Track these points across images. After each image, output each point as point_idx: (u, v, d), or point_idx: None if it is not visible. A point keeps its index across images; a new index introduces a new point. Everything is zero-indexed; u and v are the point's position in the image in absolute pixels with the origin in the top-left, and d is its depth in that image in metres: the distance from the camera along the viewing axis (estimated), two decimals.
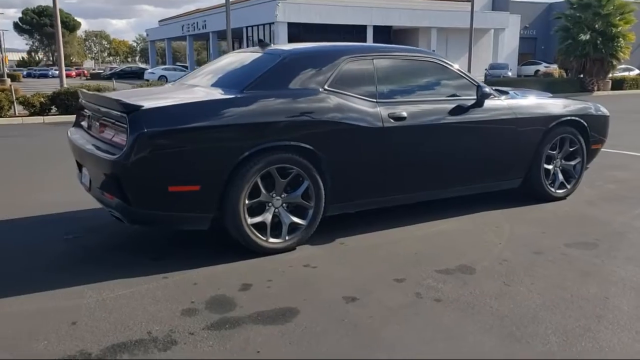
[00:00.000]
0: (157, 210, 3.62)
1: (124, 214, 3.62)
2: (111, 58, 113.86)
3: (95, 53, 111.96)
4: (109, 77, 35.13)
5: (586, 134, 5.28)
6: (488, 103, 4.65)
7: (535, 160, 5.00)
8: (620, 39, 25.16)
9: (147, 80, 29.89)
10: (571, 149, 5.24)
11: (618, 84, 26.55)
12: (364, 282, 3.44)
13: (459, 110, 4.53)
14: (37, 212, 5.07)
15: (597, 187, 5.76)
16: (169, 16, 65.94)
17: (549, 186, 5.17)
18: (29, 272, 3.66)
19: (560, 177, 5.25)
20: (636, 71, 34.77)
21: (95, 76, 50.04)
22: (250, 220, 3.77)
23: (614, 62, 25.66)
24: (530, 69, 42.87)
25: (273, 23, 36.13)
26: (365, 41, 37.79)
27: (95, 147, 3.81)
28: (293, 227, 3.96)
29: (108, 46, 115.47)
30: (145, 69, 47.24)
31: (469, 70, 31.24)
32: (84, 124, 4.44)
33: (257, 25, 38.46)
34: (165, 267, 3.68)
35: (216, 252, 3.93)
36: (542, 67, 43.84)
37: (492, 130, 4.71)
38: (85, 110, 4.39)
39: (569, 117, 5.12)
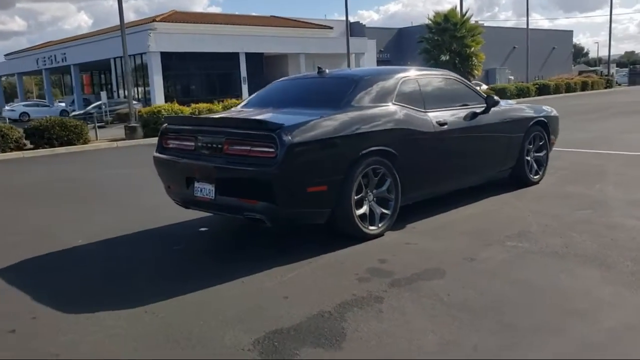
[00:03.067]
0: (297, 209, 4.38)
1: (270, 214, 4.32)
2: None
3: None
4: None
5: (548, 131, 6.80)
6: (492, 109, 5.94)
7: (520, 153, 6.38)
8: (474, 58, 28.83)
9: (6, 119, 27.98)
10: (540, 143, 6.72)
11: None
12: (465, 248, 4.47)
13: (475, 115, 5.76)
14: (127, 230, 5.49)
15: (551, 174, 7.29)
16: (13, 50, 61.41)
17: (529, 173, 6.58)
18: (191, 275, 4.24)
19: (535, 166, 6.70)
20: (484, 86, 39.45)
21: None
22: (357, 212, 4.64)
23: (470, 79, 29.27)
24: None
25: (145, 53, 35.70)
26: (238, 68, 38.81)
27: (226, 161, 4.43)
28: (382, 216, 4.87)
29: None
30: None
31: None
32: (176, 145, 4.97)
33: (128, 56, 37.65)
34: (299, 255, 4.41)
35: (325, 243, 4.71)
36: None
37: (498, 129, 6.01)
38: (181, 134, 4.94)
39: (538, 118, 6.60)
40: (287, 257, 4.39)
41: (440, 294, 3.56)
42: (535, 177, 6.71)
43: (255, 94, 6.07)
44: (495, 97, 5.94)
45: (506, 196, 6.20)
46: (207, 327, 3.26)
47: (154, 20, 36.84)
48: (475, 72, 28.88)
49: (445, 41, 28.55)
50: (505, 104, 6.45)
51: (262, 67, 42.38)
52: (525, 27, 39.68)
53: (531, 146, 6.59)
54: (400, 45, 56.71)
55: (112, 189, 8.49)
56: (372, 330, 3.11)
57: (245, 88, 38.62)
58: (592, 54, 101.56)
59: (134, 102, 32.04)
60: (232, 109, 5.98)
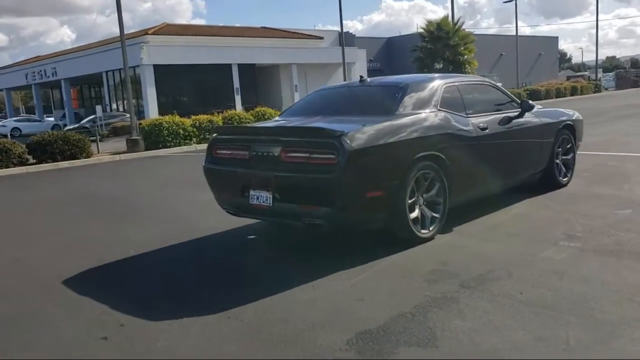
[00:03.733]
0: (357, 214, 4.47)
1: (330, 220, 4.40)
2: None
3: None
4: None
5: (575, 134, 6.96)
6: (526, 113, 6.08)
7: (551, 156, 6.53)
8: (467, 65, 29.18)
9: None
10: (567, 146, 6.87)
11: None
12: (520, 249, 4.58)
13: (511, 119, 5.90)
14: (172, 240, 5.53)
15: (576, 177, 7.43)
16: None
17: (558, 176, 6.72)
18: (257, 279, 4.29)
19: (563, 168, 6.84)
20: None
21: None
22: (411, 216, 4.73)
23: None
24: None
25: (138, 66, 35.68)
26: (231, 79, 38.88)
27: (285, 169, 4.51)
28: (432, 220, 4.97)
29: None
30: None
31: None
32: (227, 155, 5.04)
33: (120, 70, 37.62)
34: (357, 260, 4.49)
35: (378, 247, 4.79)
36: None
37: (532, 133, 6.16)
38: (233, 144, 5.02)
39: (566, 122, 6.76)
40: (345, 262, 4.45)
41: (512, 293, 3.66)
42: (564, 179, 6.85)
43: (296, 103, 6.16)
44: (530, 102, 6.08)
45: (540, 198, 6.33)
46: (295, 329, 3.33)
47: (146, 34, 36.84)
48: None
49: (439, 49, 28.91)
50: (535, 109, 6.60)
51: (255, 77, 42.52)
52: (509, 34, 40.34)
53: (560, 149, 6.73)
54: (389, 54, 57.27)
55: (137, 202, 8.50)
56: (460, 329, 3.19)
57: (238, 99, 38.71)
58: (575, 59, 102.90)
59: (125, 115, 32.08)
60: (275, 118, 6.06)
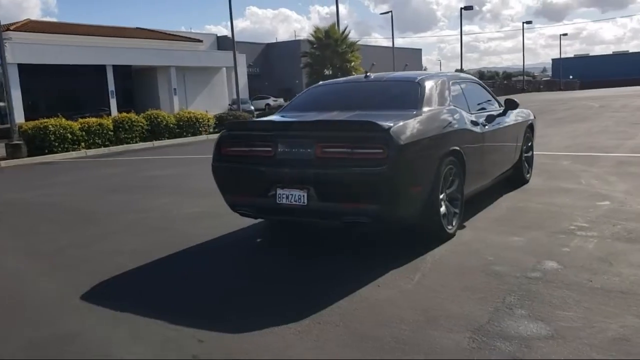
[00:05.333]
0: (402, 209, 4.31)
1: (377, 217, 4.20)
2: None
3: None
4: None
5: (533, 133, 7.37)
6: (508, 112, 6.32)
7: (520, 152, 6.84)
8: (354, 73, 30.00)
9: None
10: (529, 144, 7.25)
11: None
12: (547, 241, 4.71)
13: (499, 116, 6.09)
14: (173, 248, 4.95)
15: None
16: None
17: (524, 172, 7.07)
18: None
19: (526, 165, 7.21)
20: None
21: None
22: (441, 211, 4.68)
23: None
24: (261, 103, 46.91)
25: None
26: (106, 81, 36.53)
27: (323, 165, 4.23)
28: (454, 215, 4.95)
29: None
30: None
31: (211, 105, 32.97)
32: (245, 152, 4.65)
33: None
34: (397, 257, 4.35)
35: (404, 245, 4.70)
36: (271, 101, 48.36)
37: (512, 130, 6.41)
38: (251, 140, 4.63)
39: (530, 121, 7.13)
40: (385, 261, 4.30)
41: (581, 281, 3.73)
42: (527, 175, 7.22)
43: (295, 98, 5.85)
44: (516, 100, 6.30)
45: (514, 194, 6.58)
46: (402, 330, 3.11)
47: (8, 29, 33.40)
48: None
49: (327, 56, 29.43)
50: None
51: (131, 80, 40.38)
52: (377, 45, 42.14)
53: (524, 147, 7.09)
54: (268, 59, 57.33)
55: (88, 210, 7.60)
56: (572, 318, 3.16)
57: (113, 102, 36.51)
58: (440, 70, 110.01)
59: None
60: (276, 114, 5.66)
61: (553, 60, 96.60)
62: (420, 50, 76.16)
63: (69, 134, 17.65)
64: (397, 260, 4.30)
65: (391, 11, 43.30)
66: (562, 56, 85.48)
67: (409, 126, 4.36)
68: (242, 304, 3.68)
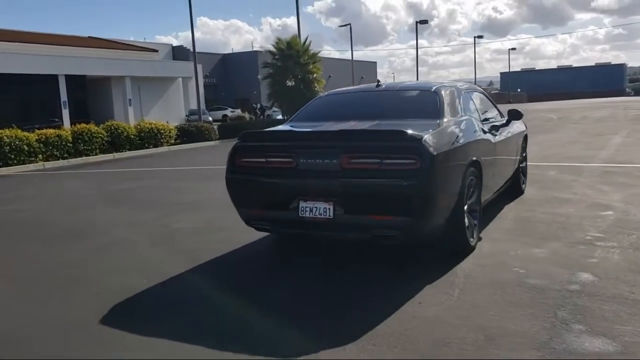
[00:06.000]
0: (433, 222, 4.13)
1: (409, 230, 4.02)
2: None
3: None
4: None
5: (526, 144, 7.39)
6: (511, 122, 6.29)
7: (519, 163, 6.84)
8: (316, 84, 29.93)
9: None
10: (523, 155, 7.26)
11: None
12: (572, 251, 4.64)
13: (503, 127, 6.04)
14: (183, 267, 4.61)
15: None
16: None
17: (521, 182, 7.06)
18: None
19: (522, 176, 7.21)
20: None
21: None
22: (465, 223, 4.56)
23: None
24: (218, 114, 46.25)
25: None
26: (58, 91, 35.27)
27: (352, 176, 4.04)
28: (474, 227, 4.83)
29: None
30: None
31: (167, 116, 32.28)
32: (262, 163, 4.40)
33: None
34: (426, 272, 4.20)
35: (426, 260, 4.56)
36: (228, 112, 47.79)
37: (514, 141, 6.38)
38: (268, 150, 4.39)
39: (525, 132, 7.14)
40: (411, 276, 4.16)
41: (623, 293, 3.65)
42: (523, 186, 7.22)
43: (305, 108, 5.61)
44: (520, 111, 6.28)
45: (514, 205, 6.54)
46: (465, 349, 2.94)
47: None
48: None
49: (289, 67, 29.20)
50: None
51: (85, 90, 39.16)
52: (330, 57, 42.43)
53: (520, 157, 7.09)
54: (225, 70, 56.74)
55: (68, 225, 7.13)
56: (629, 332, 3.07)
57: (66, 113, 35.23)
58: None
59: None
60: (286, 124, 5.37)
61: (501, 73, 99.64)
62: (375, 63, 77.36)
63: (25, 146, 16.87)
64: (426, 275, 4.14)
65: (349, 24, 43.68)
66: (512, 70, 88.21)
67: (439, 136, 4.23)
68: (283, 325, 3.43)
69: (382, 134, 4.23)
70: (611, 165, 9.53)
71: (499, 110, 6.43)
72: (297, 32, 32.45)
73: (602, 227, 5.32)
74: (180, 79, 44.52)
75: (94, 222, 7.08)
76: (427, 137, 4.04)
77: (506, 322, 3.29)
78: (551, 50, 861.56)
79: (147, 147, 20.92)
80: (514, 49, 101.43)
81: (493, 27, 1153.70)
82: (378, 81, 5.61)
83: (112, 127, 20.36)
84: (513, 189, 6.90)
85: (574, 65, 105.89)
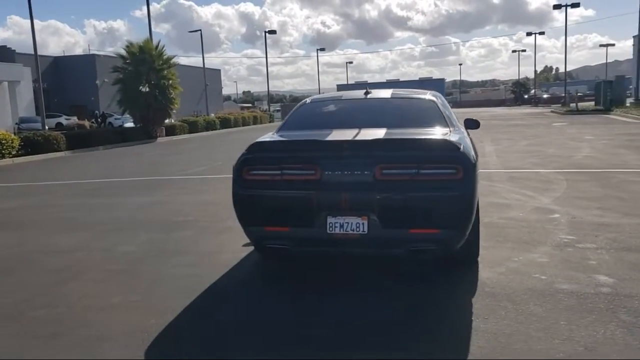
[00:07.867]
0: (467, 232, 3.98)
1: (449, 243, 3.86)
2: None
3: None
4: None
5: None
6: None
7: None
8: (172, 90, 28.57)
9: None
10: None
11: (171, 130, 29.85)
12: (572, 256, 4.81)
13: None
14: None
15: None
16: None
17: None
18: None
19: None
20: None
21: None
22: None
23: (170, 111, 28.86)
24: (52, 122, 42.05)
25: None
26: None
27: (391, 189, 3.77)
28: None
29: None
30: None
31: None
32: (278, 177, 3.95)
33: None
34: (462, 287, 4.09)
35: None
36: (63, 120, 43.79)
37: None
38: (287, 162, 3.95)
39: None
40: (447, 290, 4.07)
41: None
42: None
43: (293, 116, 5.07)
44: (478, 120, 6.35)
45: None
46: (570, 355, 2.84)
47: None
48: (175, 104, 28.58)
49: (143, 72, 27.47)
50: None
51: None
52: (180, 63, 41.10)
53: None
54: (57, 74, 51.84)
55: None
56: None
57: None
58: (225, 92, 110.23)
59: None
60: (274, 133, 4.74)
61: (338, 85, 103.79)
62: (219, 70, 75.99)
63: None
64: (459, 288, 4.01)
65: (200, 30, 42.37)
66: (338, 82, 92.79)
67: (466, 144, 4.12)
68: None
69: (420, 143, 4.01)
70: (511, 170, 10.20)
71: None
72: (125, 36, 30.84)
73: (565, 230, 5.62)
74: (6, 83, 39.83)
75: (18, 247, 5.86)
76: (463, 145, 3.91)
77: (585, 330, 3.26)
78: (375, 65, 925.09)
79: None
80: (350, 62, 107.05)
81: (322, 41, 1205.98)
82: (367, 88, 5.37)
83: None
84: None
85: (401, 79, 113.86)
